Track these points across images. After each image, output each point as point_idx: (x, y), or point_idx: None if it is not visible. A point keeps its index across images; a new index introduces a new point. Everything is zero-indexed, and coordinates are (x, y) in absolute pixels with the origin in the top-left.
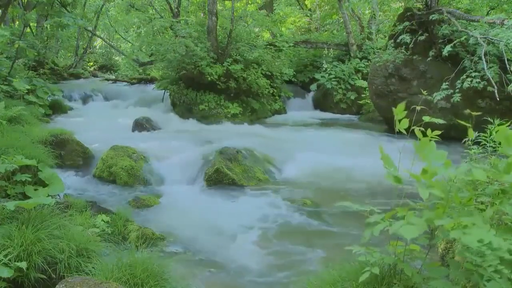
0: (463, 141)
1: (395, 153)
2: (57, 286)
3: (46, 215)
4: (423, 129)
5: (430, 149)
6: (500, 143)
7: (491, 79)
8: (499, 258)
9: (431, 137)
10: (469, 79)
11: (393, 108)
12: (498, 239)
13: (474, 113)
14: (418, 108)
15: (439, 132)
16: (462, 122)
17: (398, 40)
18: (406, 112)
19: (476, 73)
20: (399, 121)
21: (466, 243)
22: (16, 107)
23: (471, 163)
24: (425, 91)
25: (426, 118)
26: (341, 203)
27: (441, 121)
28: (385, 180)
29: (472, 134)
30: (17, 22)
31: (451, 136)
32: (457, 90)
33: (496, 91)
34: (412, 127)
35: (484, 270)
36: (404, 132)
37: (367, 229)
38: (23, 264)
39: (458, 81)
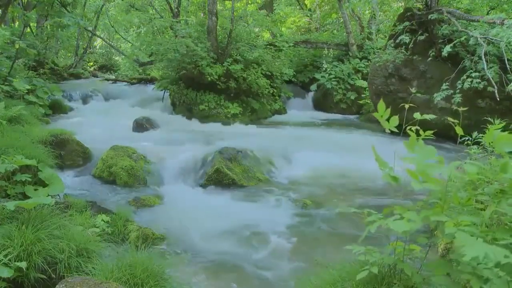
0: (459, 140)
1: (394, 153)
2: (57, 286)
3: (46, 215)
4: (418, 127)
5: (420, 147)
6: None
7: (491, 79)
8: (495, 262)
9: (426, 136)
10: (469, 79)
11: (376, 112)
12: (494, 250)
13: (461, 109)
14: (407, 106)
15: (431, 131)
16: (452, 120)
17: (398, 40)
18: (390, 110)
19: (476, 73)
20: (387, 120)
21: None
22: (16, 107)
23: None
24: (422, 91)
25: (417, 116)
26: (340, 209)
27: (432, 116)
28: (384, 179)
29: (460, 131)
30: (17, 22)
31: (451, 136)
32: (458, 91)
33: (496, 91)
34: (406, 125)
35: (481, 271)
36: (396, 130)
37: (365, 230)
38: (23, 264)
39: (459, 82)
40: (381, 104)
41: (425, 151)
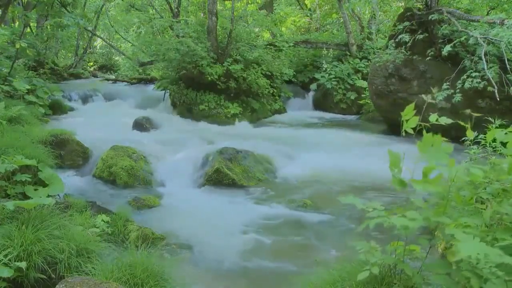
0: (462, 139)
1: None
2: (57, 286)
3: (46, 215)
4: (428, 125)
5: (436, 145)
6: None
7: (491, 79)
8: (496, 263)
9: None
10: (469, 79)
11: (401, 113)
12: (491, 250)
13: (475, 114)
14: (426, 102)
15: (439, 134)
16: (461, 123)
17: (398, 39)
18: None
19: (477, 73)
20: (407, 121)
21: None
22: (16, 107)
23: (470, 163)
24: (425, 91)
25: (433, 118)
26: (345, 199)
27: (449, 120)
28: (384, 179)
29: (471, 134)
30: (17, 22)
31: (452, 135)
32: (458, 90)
33: (496, 91)
34: (417, 128)
35: (481, 271)
36: (411, 131)
37: (364, 222)
38: (23, 264)
39: (459, 82)
40: (410, 107)
41: (439, 151)
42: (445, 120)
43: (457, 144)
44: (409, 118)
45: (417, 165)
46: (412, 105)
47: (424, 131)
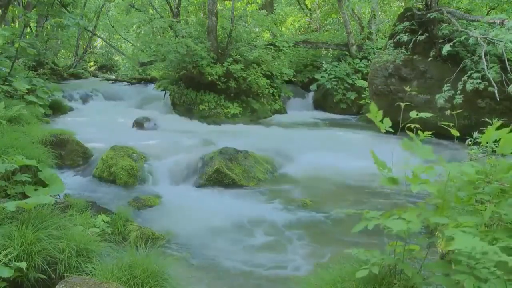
0: (455, 139)
1: (394, 153)
2: (57, 286)
3: (46, 215)
4: (418, 126)
5: (417, 146)
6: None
7: (491, 79)
8: (494, 262)
9: (425, 136)
10: (471, 80)
11: (368, 114)
12: (489, 247)
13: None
14: (405, 102)
15: (430, 132)
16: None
17: (397, 40)
18: (383, 111)
19: (477, 74)
20: (381, 121)
21: (458, 248)
22: (16, 107)
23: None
24: (426, 91)
25: (413, 114)
26: (338, 210)
27: (428, 115)
28: (383, 183)
29: (456, 133)
30: (17, 22)
31: (450, 134)
32: (459, 92)
33: (496, 91)
34: (403, 124)
35: (479, 271)
36: (392, 130)
37: (361, 222)
38: (23, 264)
39: (460, 83)
40: (373, 106)
41: (422, 150)
42: (424, 115)
43: (455, 143)
44: (382, 118)
45: (411, 162)
46: (373, 104)
47: (411, 133)
